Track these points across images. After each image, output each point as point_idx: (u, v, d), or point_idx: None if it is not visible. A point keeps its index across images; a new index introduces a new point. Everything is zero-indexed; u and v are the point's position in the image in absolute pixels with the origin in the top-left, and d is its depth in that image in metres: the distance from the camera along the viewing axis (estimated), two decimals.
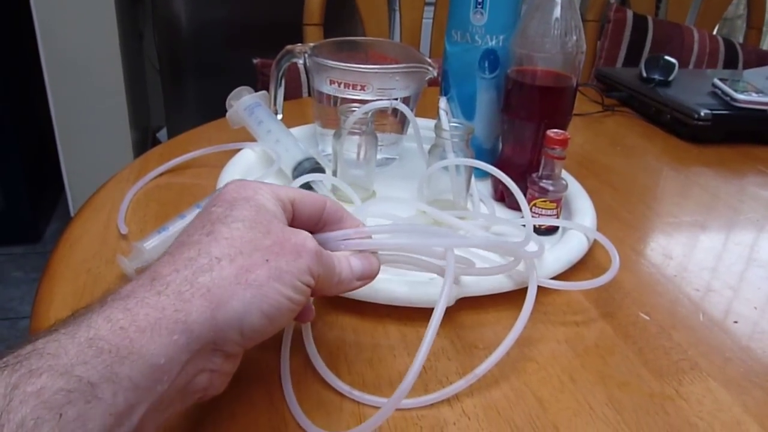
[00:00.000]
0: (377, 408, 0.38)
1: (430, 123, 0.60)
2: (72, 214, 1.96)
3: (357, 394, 0.39)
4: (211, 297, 0.30)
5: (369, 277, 0.39)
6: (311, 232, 0.38)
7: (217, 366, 0.31)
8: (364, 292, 0.44)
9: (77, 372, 0.25)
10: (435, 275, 0.44)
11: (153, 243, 0.48)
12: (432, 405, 0.39)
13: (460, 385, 0.39)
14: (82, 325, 0.27)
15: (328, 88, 0.66)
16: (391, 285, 0.46)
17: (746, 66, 1.35)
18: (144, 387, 0.27)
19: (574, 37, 0.57)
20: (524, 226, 0.51)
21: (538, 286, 0.45)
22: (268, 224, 0.33)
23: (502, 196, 0.64)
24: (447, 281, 0.39)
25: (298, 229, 0.35)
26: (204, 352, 0.30)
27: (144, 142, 2.16)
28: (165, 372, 0.28)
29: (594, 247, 0.56)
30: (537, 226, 0.57)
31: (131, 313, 0.28)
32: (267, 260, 0.32)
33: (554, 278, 0.50)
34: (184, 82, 1.90)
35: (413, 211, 0.57)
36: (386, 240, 0.41)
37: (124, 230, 0.55)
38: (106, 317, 0.27)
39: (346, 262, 0.37)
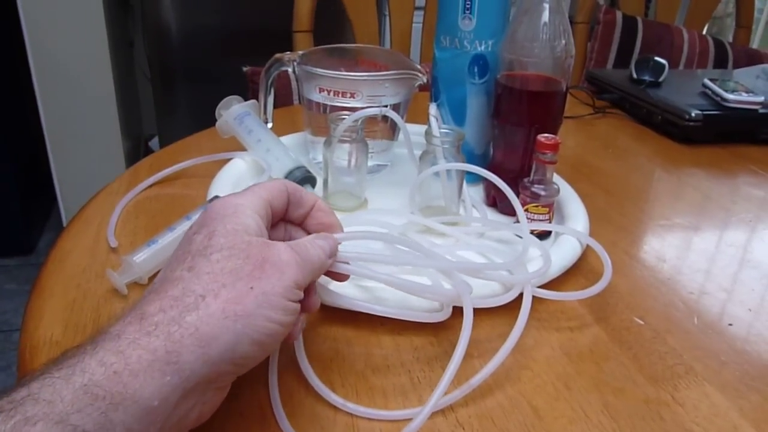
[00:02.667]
0: (370, 420, 0.38)
1: (421, 129, 0.60)
2: (65, 225, 1.95)
3: (351, 406, 0.38)
4: (201, 336, 0.30)
5: (334, 254, 0.39)
6: (281, 220, 0.40)
7: (208, 399, 0.31)
8: (358, 303, 0.44)
9: (72, 420, 0.25)
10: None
11: (143, 256, 0.48)
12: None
13: (455, 395, 0.39)
14: (77, 368, 0.27)
15: (317, 96, 0.66)
16: (385, 294, 0.45)
17: (736, 65, 1.36)
18: (137, 430, 0.27)
19: (563, 41, 0.57)
20: (522, 237, 0.51)
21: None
22: (246, 247, 0.33)
23: (494, 201, 0.64)
24: (463, 335, 0.39)
25: (274, 243, 0.35)
26: (197, 389, 0.30)
27: (136, 150, 2.15)
28: (159, 413, 0.28)
29: (588, 250, 0.55)
30: (529, 231, 0.57)
31: (124, 356, 0.28)
32: (251, 288, 0.31)
33: (548, 283, 0.50)
34: (175, 90, 1.90)
35: (405, 219, 0.56)
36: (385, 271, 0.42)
37: (113, 243, 0.54)
38: (99, 361, 0.27)
39: (316, 244, 0.37)
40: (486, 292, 0.47)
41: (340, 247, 0.40)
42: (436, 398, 0.36)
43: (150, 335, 0.29)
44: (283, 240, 0.38)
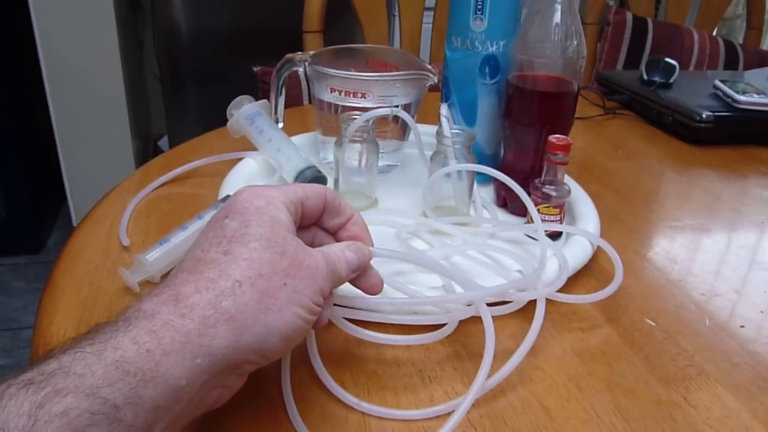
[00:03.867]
0: (381, 419, 0.38)
1: (432, 129, 0.60)
2: (74, 224, 1.96)
3: (366, 406, 0.38)
4: (235, 323, 0.30)
5: (362, 268, 0.39)
6: (314, 224, 0.40)
7: (230, 383, 0.32)
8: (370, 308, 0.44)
9: (103, 394, 0.26)
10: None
11: (155, 255, 0.48)
12: (438, 416, 0.38)
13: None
14: (108, 344, 0.27)
15: (328, 96, 0.66)
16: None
17: (747, 67, 1.35)
18: (164, 407, 0.28)
19: (575, 42, 0.57)
20: (535, 233, 0.50)
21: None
22: (283, 242, 0.33)
23: (505, 202, 0.64)
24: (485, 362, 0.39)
25: (310, 248, 0.35)
26: (223, 373, 0.31)
27: (145, 150, 2.16)
28: (185, 393, 0.29)
29: (599, 250, 0.55)
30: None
31: (157, 336, 0.28)
32: (285, 284, 0.32)
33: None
34: (184, 90, 1.90)
35: (415, 220, 0.56)
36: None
37: (125, 242, 0.55)
38: (132, 339, 0.28)
39: (343, 257, 0.37)
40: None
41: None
42: (467, 404, 0.37)
43: (185, 317, 0.29)
44: (311, 244, 0.38)
